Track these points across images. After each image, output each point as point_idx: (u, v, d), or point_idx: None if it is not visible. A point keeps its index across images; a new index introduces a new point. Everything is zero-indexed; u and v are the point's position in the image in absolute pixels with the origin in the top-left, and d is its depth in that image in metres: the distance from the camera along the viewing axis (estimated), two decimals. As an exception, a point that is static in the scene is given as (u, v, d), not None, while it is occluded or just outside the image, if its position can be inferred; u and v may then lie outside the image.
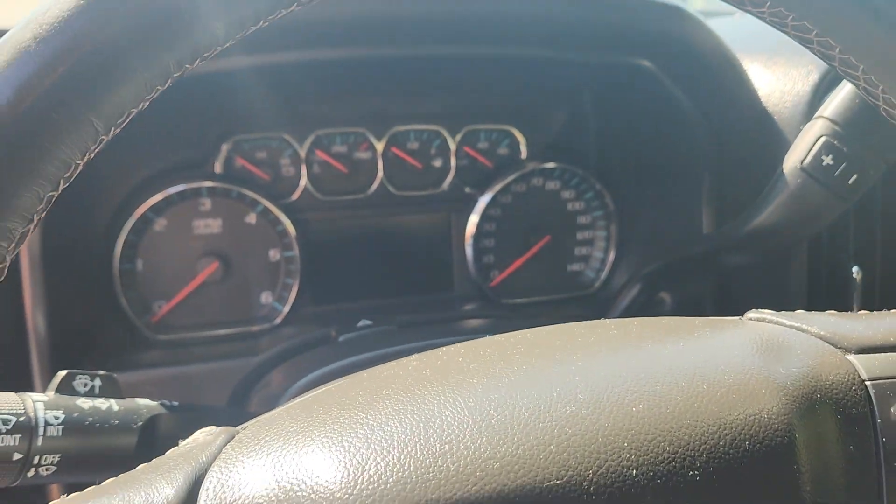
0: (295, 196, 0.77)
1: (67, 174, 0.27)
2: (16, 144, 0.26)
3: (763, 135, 0.65)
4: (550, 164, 0.82)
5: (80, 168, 0.28)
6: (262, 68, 0.64)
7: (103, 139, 0.28)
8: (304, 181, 0.77)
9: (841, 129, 0.56)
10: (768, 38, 0.70)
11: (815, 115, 0.57)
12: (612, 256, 0.84)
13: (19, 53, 0.26)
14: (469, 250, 0.82)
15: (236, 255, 0.75)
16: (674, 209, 0.76)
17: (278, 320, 0.76)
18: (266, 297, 0.77)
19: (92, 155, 0.28)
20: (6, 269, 0.27)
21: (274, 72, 0.67)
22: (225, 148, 0.74)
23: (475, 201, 0.81)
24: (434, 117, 0.79)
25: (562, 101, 0.80)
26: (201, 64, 0.32)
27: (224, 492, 0.31)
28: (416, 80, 0.77)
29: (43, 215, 0.28)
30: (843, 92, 0.57)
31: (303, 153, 0.76)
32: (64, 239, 0.64)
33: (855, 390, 0.38)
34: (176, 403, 0.50)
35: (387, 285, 0.80)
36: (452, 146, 0.80)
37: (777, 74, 0.68)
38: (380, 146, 0.78)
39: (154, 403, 0.48)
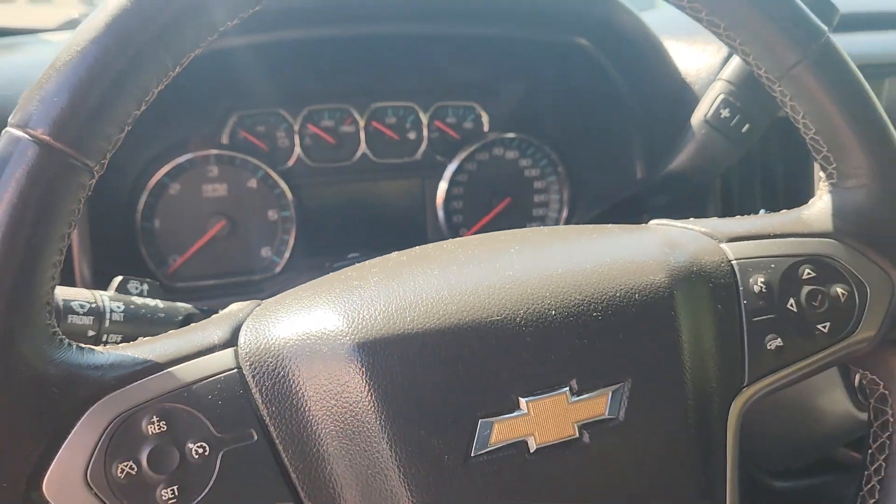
0: (290, 163, 0.89)
1: (147, 98, 0.39)
2: (118, 72, 0.37)
3: (683, 99, 0.78)
4: (510, 135, 0.95)
5: (155, 95, 0.40)
6: (260, 50, 0.77)
7: (171, 74, 0.40)
8: (297, 150, 0.89)
9: (735, 87, 0.69)
10: (692, 24, 0.84)
11: (717, 77, 0.71)
12: (564, 215, 0.97)
13: (117, 14, 0.38)
14: (440, 211, 0.94)
15: (240, 215, 0.87)
16: (613, 169, 0.89)
17: (277, 270, 0.89)
18: (266, 251, 0.89)
19: (162, 86, 0.40)
20: (106, 165, 0.39)
21: (271, 54, 0.80)
22: (231, 122, 0.86)
23: (445, 168, 0.94)
24: (408, 95, 0.92)
25: (517, 79, 0.93)
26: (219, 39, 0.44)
27: (258, 332, 0.44)
28: (392, 61, 0.89)
29: (128, 129, 0.39)
30: (738, 59, 0.70)
31: (296, 127, 0.89)
32: (100, 201, 0.76)
33: (724, 267, 0.51)
34: (206, 308, 0.61)
35: (370, 240, 0.92)
36: (424, 120, 0.93)
37: (695, 51, 0.82)
38: (362, 121, 0.91)
39: (189, 306, 0.60)
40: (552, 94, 0.93)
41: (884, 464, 0.53)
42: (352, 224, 0.93)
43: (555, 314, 0.45)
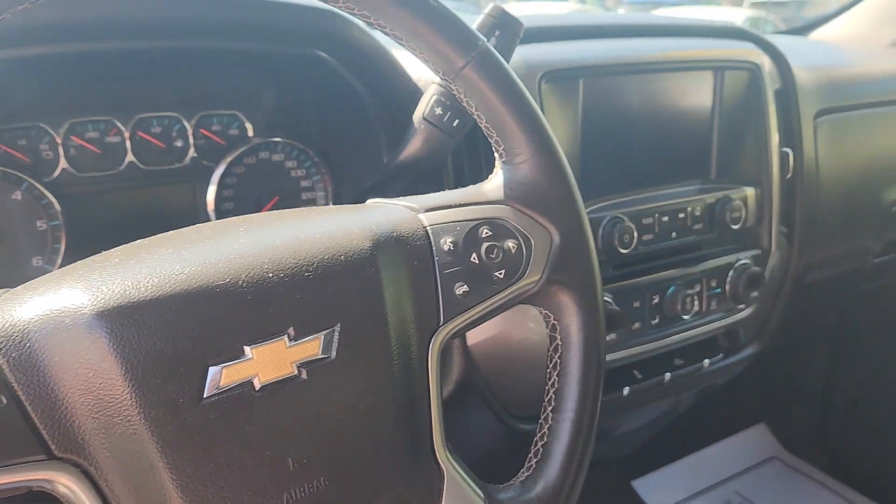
0: (55, 174, 0.92)
1: None
2: None
3: (415, 100, 0.90)
4: (275, 140, 1.04)
5: None
6: (16, 65, 0.80)
7: None
8: (62, 162, 0.92)
9: (445, 89, 0.83)
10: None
11: (431, 81, 0.84)
12: (330, 209, 1.08)
13: None
14: (211, 213, 1.01)
15: (7, 227, 0.89)
16: (367, 163, 1.01)
17: (49, 279, 0.91)
18: (37, 261, 0.92)
19: None
20: None
21: (28, 70, 0.83)
22: (-11, 137, 0.88)
23: (213, 172, 1.01)
24: (172, 106, 0.98)
25: (272, 88, 1.02)
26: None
27: (3, 312, 0.49)
28: (154, 74, 0.95)
29: None
30: (447, 64, 0.84)
31: (59, 139, 0.92)
32: None
33: (420, 232, 0.63)
34: None
35: (143, 244, 0.97)
36: (190, 129, 0.99)
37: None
38: (127, 132, 0.96)
39: None
40: (306, 101, 1.03)
41: (556, 378, 0.68)
42: (126, 229, 0.97)
43: (272, 276, 0.54)
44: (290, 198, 1.07)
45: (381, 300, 0.58)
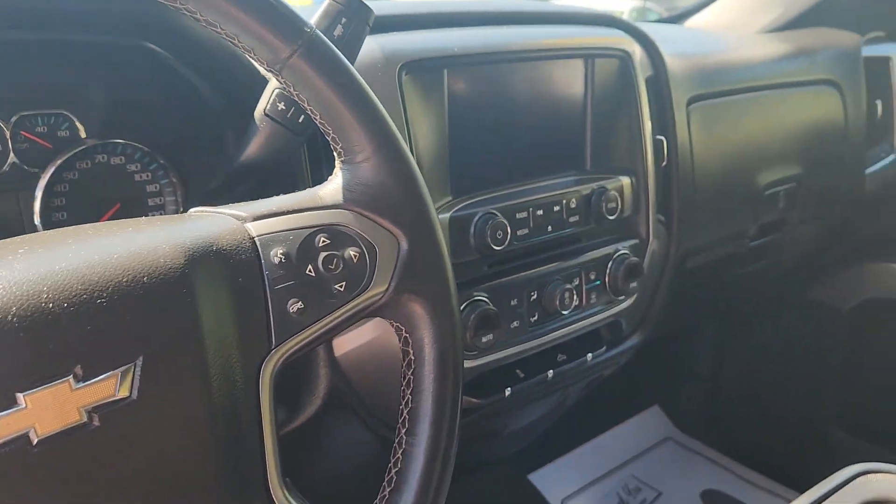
0: None
1: None
2: None
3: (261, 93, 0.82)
4: (114, 141, 0.94)
5: None
6: None
7: None
8: None
9: (284, 81, 0.75)
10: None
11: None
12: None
13: None
14: (39, 225, 0.90)
15: None
16: (217, 163, 0.92)
17: None
18: None
19: None
20: None
21: None
22: None
23: (39, 180, 0.90)
24: None
25: (101, 83, 0.91)
26: None
27: None
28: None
29: None
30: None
31: None
32: None
33: (245, 244, 0.56)
34: None
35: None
36: (7, 132, 0.88)
37: (271, 50, 0.87)
38: None
39: None
40: (142, 98, 0.93)
41: (410, 396, 0.62)
42: None
43: (52, 307, 0.46)
44: (134, 204, 0.96)
45: (196, 325, 0.51)
